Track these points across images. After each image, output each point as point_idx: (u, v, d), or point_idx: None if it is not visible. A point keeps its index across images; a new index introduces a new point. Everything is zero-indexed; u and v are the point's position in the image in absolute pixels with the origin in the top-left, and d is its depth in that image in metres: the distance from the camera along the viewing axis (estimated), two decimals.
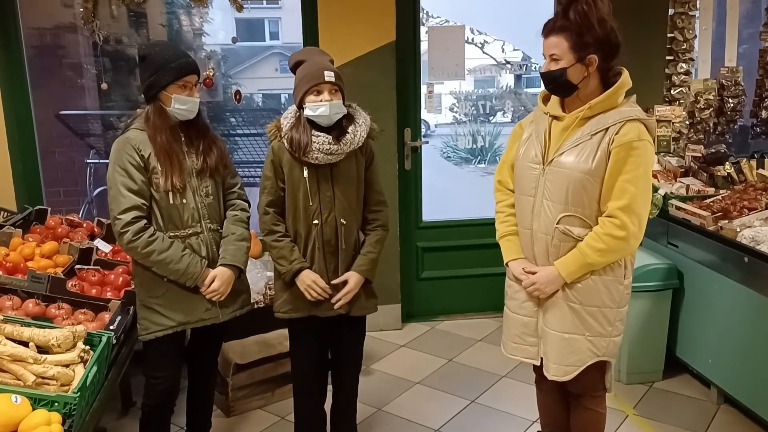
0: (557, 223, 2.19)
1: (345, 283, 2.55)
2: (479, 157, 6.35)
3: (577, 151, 2.14)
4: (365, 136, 2.50)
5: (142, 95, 2.48)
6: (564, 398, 2.52)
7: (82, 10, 3.60)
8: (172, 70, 2.37)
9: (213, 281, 2.48)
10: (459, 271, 4.42)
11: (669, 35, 4.11)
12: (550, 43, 2.14)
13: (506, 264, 2.39)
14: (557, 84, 2.17)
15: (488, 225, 4.38)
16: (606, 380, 2.36)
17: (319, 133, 2.43)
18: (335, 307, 2.54)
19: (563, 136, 2.19)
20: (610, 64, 2.16)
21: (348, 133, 2.46)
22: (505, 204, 2.42)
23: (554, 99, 2.27)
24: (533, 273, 2.27)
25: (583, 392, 2.39)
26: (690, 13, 4.08)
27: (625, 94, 2.19)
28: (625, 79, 2.16)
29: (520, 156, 2.31)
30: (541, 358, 2.35)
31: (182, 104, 2.41)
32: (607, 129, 2.12)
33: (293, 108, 2.52)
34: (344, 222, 2.51)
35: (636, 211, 2.11)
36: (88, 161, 4.98)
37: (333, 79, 2.40)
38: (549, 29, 2.14)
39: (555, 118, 2.24)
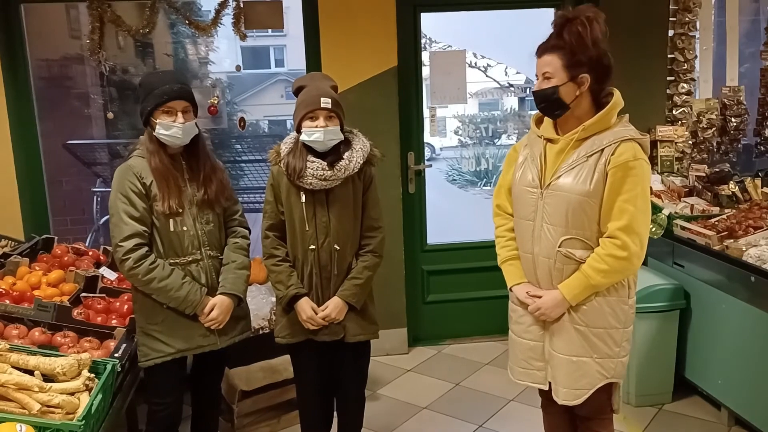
0: (559, 247, 2.18)
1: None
2: (484, 179, 6.37)
3: (574, 174, 2.15)
4: (362, 162, 2.51)
5: None
6: (571, 421, 2.49)
7: (88, 41, 3.66)
8: (154, 97, 2.41)
9: (212, 310, 2.49)
10: (465, 294, 4.40)
11: (669, 56, 4.14)
12: (543, 61, 2.16)
13: (510, 289, 2.38)
14: (549, 102, 2.18)
15: (494, 247, 4.40)
16: (613, 401, 2.34)
17: (314, 159, 2.45)
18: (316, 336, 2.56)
19: (559, 158, 2.19)
20: (602, 86, 2.17)
21: (343, 159, 2.47)
22: (504, 228, 2.42)
23: (547, 122, 2.28)
24: (538, 297, 2.26)
25: (591, 415, 2.36)
26: (690, 34, 4.11)
27: (619, 113, 2.19)
28: (617, 99, 2.17)
29: (516, 180, 2.31)
30: (549, 383, 2.33)
31: (165, 130, 2.42)
32: (602, 150, 2.12)
33: (294, 134, 2.55)
34: (338, 248, 2.52)
35: (636, 230, 2.10)
36: (95, 190, 5.03)
37: (329, 106, 2.42)
38: (543, 49, 2.17)
39: (549, 140, 2.25)
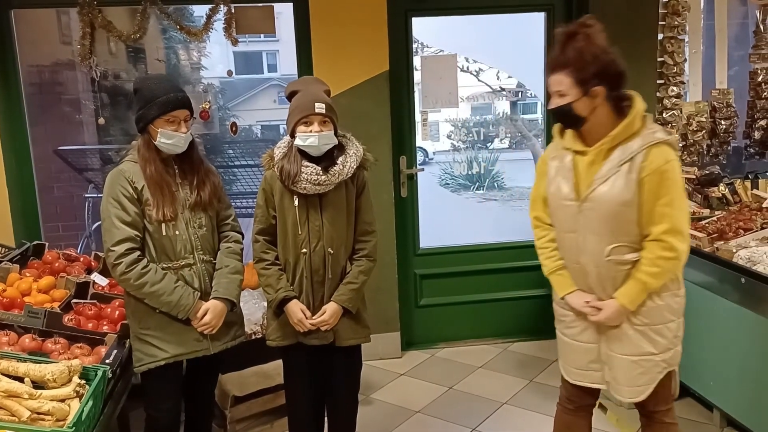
0: (608, 256, 2.22)
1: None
2: (477, 183, 6.38)
3: (610, 184, 2.18)
4: (355, 166, 2.52)
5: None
6: (589, 422, 2.55)
7: (79, 47, 3.65)
8: (158, 105, 2.40)
9: (205, 314, 2.48)
10: (458, 298, 4.41)
11: (659, 59, 4.16)
12: (554, 80, 2.19)
13: (562, 298, 2.40)
14: (567, 118, 2.22)
15: (486, 251, 4.44)
16: (672, 388, 2.37)
17: (309, 164, 2.46)
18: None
19: (592, 170, 2.23)
20: (618, 92, 2.20)
21: (337, 164, 2.48)
22: (547, 239, 2.43)
23: (571, 133, 2.30)
24: (597, 308, 2.29)
25: (657, 408, 2.39)
26: (679, 38, 4.13)
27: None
28: (640, 105, 2.20)
29: (552, 194, 2.35)
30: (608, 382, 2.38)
31: (168, 139, 2.43)
32: (633, 157, 2.16)
33: (287, 138, 2.55)
34: (332, 252, 2.53)
35: (680, 230, 2.16)
36: (87, 196, 5.01)
37: (323, 111, 2.43)
38: (551, 67, 2.20)
39: (577, 152, 2.28)
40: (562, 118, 2.25)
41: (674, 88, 4.15)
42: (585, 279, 2.32)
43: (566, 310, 2.41)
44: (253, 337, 3.24)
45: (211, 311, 2.49)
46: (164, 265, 2.46)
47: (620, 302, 2.23)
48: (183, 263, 2.49)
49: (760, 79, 4.26)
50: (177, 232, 2.47)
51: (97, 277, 3.22)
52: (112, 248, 2.37)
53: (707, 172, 3.97)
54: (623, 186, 2.16)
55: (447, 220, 5.46)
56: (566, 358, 2.48)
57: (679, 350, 2.34)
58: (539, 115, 5.27)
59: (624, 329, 2.28)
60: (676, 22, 4.09)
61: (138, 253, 2.41)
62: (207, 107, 3.89)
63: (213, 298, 2.52)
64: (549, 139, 4.34)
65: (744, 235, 3.17)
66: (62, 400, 2.04)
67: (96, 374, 2.21)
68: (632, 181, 2.15)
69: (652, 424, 2.45)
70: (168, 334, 2.48)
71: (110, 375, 2.35)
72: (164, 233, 2.45)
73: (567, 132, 2.31)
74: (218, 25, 3.75)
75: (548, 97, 2.28)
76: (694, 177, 3.96)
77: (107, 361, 2.47)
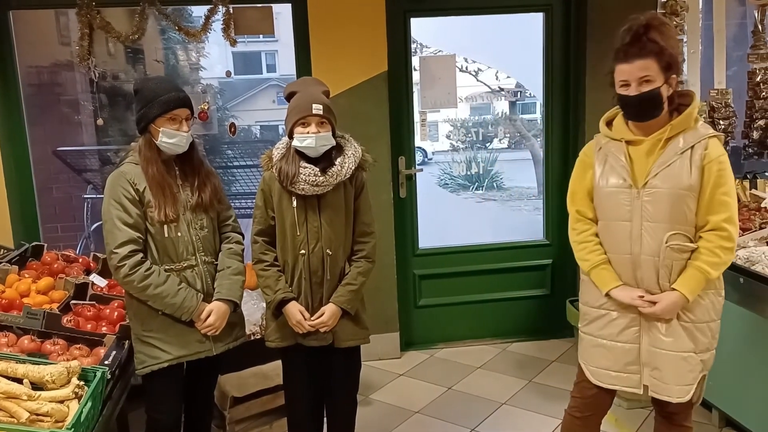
0: (666, 242, 2.21)
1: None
2: (476, 183, 6.39)
3: (671, 170, 2.20)
4: (353, 167, 2.51)
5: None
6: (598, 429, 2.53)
7: (77, 48, 3.66)
8: (160, 104, 2.40)
9: (209, 316, 2.48)
10: (457, 298, 4.41)
11: None
12: (637, 66, 2.16)
13: (607, 294, 2.34)
14: (651, 104, 2.19)
15: (485, 251, 4.45)
16: (695, 394, 2.35)
17: (307, 165, 2.45)
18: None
19: (649, 158, 2.24)
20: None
21: (335, 165, 2.47)
22: (590, 233, 2.40)
23: (620, 124, 2.32)
24: (652, 301, 2.25)
25: (680, 410, 2.39)
26: (677, 38, 4.13)
27: None
28: (697, 100, 2.26)
29: (602, 184, 2.33)
30: (645, 386, 2.34)
31: (169, 138, 2.43)
32: (692, 147, 2.19)
33: (286, 139, 2.55)
34: (330, 253, 2.52)
35: (735, 221, 2.20)
36: (86, 196, 5.01)
37: (321, 112, 2.42)
38: (634, 54, 2.17)
39: (629, 142, 2.29)
40: (646, 104, 2.20)
41: None
42: (634, 271, 2.29)
43: (604, 309, 2.36)
44: (252, 338, 3.24)
45: (214, 312, 2.49)
46: (166, 267, 2.46)
47: (681, 292, 2.21)
48: (185, 264, 2.49)
49: (758, 79, 4.25)
50: (179, 234, 2.47)
51: (95, 278, 3.22)
52: (115, 250, 2.37)
53: None
54: (687, 171, 2.18)
55: (446, 221, 5.46)
56: (598, 361, 2.39)
57: (714, 354, 2.32)
58: (538, 115, 5.28)
59: (674, 325, 2.25)
60: (674, 23, 4.08)
61: (141, 255, 2.40)
62: (206, 108, 3.89)
63: (216, 299, 2.52)
64: (548, 138, 4.35)
65: (742, 235, 3.17)
66: (61, 402, 2.03)
67: (95, 375, 2.21)
68: (696, 167, 2.18)
69: (670, 426, 2.44)
70: (171, 336, 2.47)
71: (109, 376, 2.35)
72: (166, 235, 2.45)
73: (615, 123, 2.33)
74: (217, 25, 3.76)
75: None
76: None
77: (106, 362, 2.47)
